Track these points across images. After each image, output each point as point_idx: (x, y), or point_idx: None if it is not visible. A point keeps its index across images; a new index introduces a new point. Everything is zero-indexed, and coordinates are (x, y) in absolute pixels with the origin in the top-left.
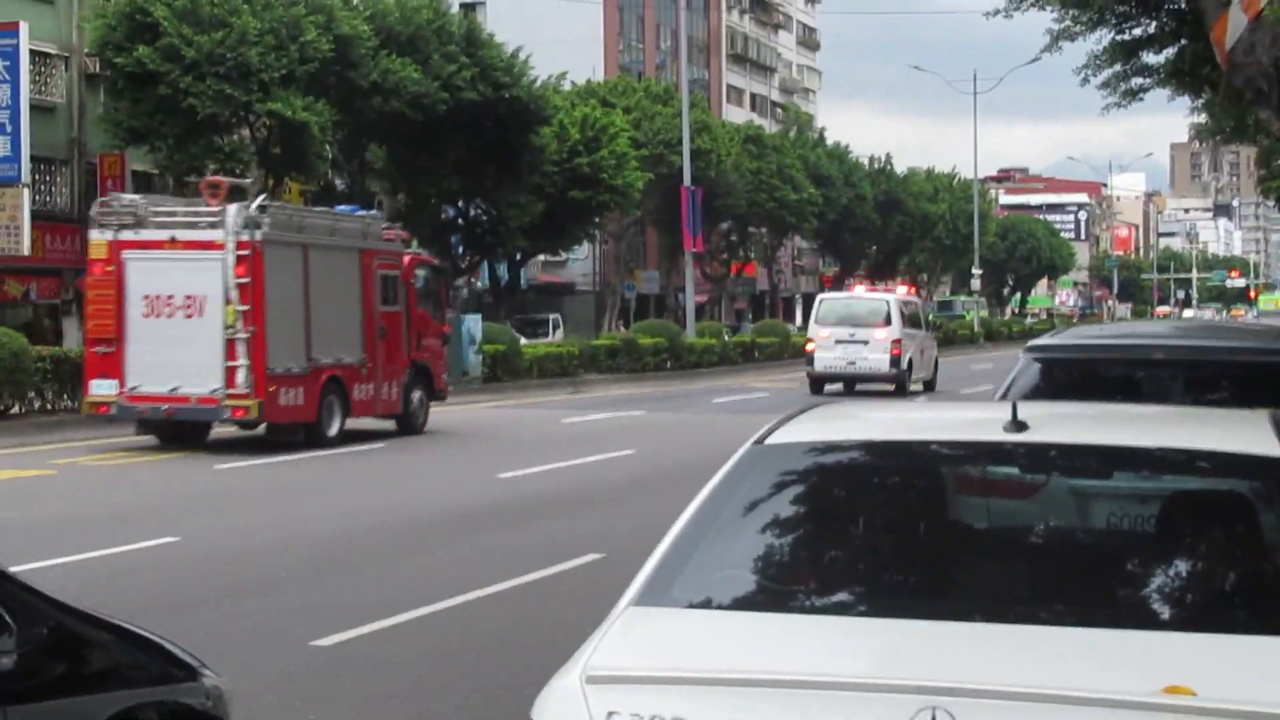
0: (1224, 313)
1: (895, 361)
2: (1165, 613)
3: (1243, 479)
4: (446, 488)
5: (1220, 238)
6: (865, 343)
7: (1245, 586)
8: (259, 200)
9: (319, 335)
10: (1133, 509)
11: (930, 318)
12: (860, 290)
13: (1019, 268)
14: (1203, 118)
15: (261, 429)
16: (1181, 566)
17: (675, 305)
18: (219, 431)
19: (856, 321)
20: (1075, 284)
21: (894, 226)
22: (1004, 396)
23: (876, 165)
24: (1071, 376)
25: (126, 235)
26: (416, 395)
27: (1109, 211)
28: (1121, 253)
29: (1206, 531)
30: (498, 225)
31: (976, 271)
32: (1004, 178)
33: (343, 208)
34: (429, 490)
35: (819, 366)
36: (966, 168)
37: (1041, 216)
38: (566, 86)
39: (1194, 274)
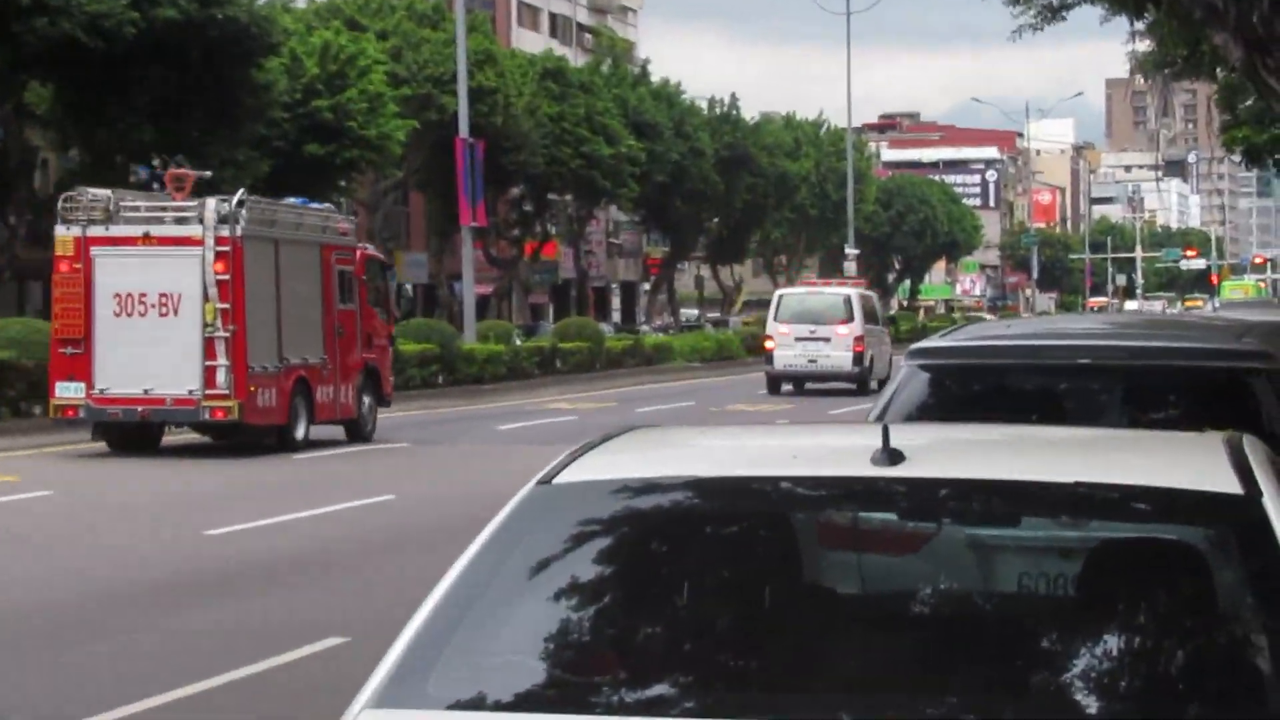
0: (1177, 304)
1: (858, 359)
2: (1093, 705)
3: (1192, 524)
4: (152, 549)
5: (1173, 205)
6: (827, 340)
7: (1195, 667)
8: (239, 194)
9: (288, 334)
10: (1049, 566)
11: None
12: (818, 285)
13: (908, 245)
14: (1146, 45)
15: (205, 435)
16: (1113, 642)
17: (450, 299)
18: (171, 438)
19: (816, 318)
20: (983, 267)
21: (742, 192)
22: (880, 417)
23: (719, 110)
24: (970, 390)
25: (96, 231)
26: (367, 400)
27: (1026, 171)
28: (1043, 225)
29: (1145, 595)
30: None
31: (851, 251)
32: (888, 126)
33: (291, 200)
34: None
35: (779, 365)
36: (838, 114)
37: (938, 177)
38: (300, 3)
39: (1138, 253)
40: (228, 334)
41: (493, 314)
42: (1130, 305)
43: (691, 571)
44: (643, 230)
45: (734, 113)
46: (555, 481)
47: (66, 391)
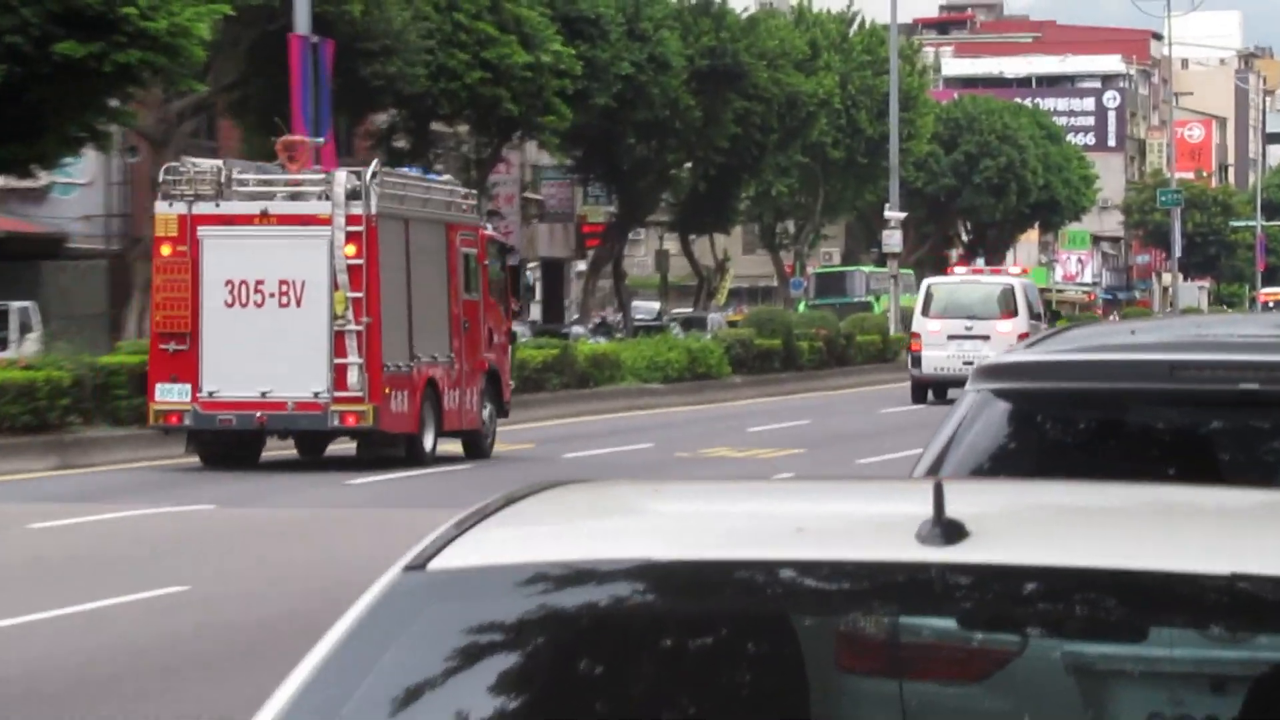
0: None
1: None
2: None
3: None
4: None
5: None
6: (986, 338)
7: None
8: (373, 165)
9: (419, 328)
10: (1192, 702)
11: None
12: (964, 271)
13: (981, 206)
14: None
15: (320, 446)
16: None
17: None
18: (272, 451)
19: (973, 312)
20: (1097, 240)
21: (728, 123)
22: (933, 470)
23: None
24: (1072, 429)
25: (204, 209)
26: (487, 409)
27: (1167, 92)
28: (1191, 176)
29: None
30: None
31: (894, 215)
32: (953, 22)
33: (409, 169)
34: None
35: (927, 369)
36: (877, 5)
37: (1029, 102)
38: None
39: None
40: (360, 327)
41: None
42: None
43: (639, 708)
44: (577, 181)
45: (717, 2)
46: (431, 567)
47: (169, 395)
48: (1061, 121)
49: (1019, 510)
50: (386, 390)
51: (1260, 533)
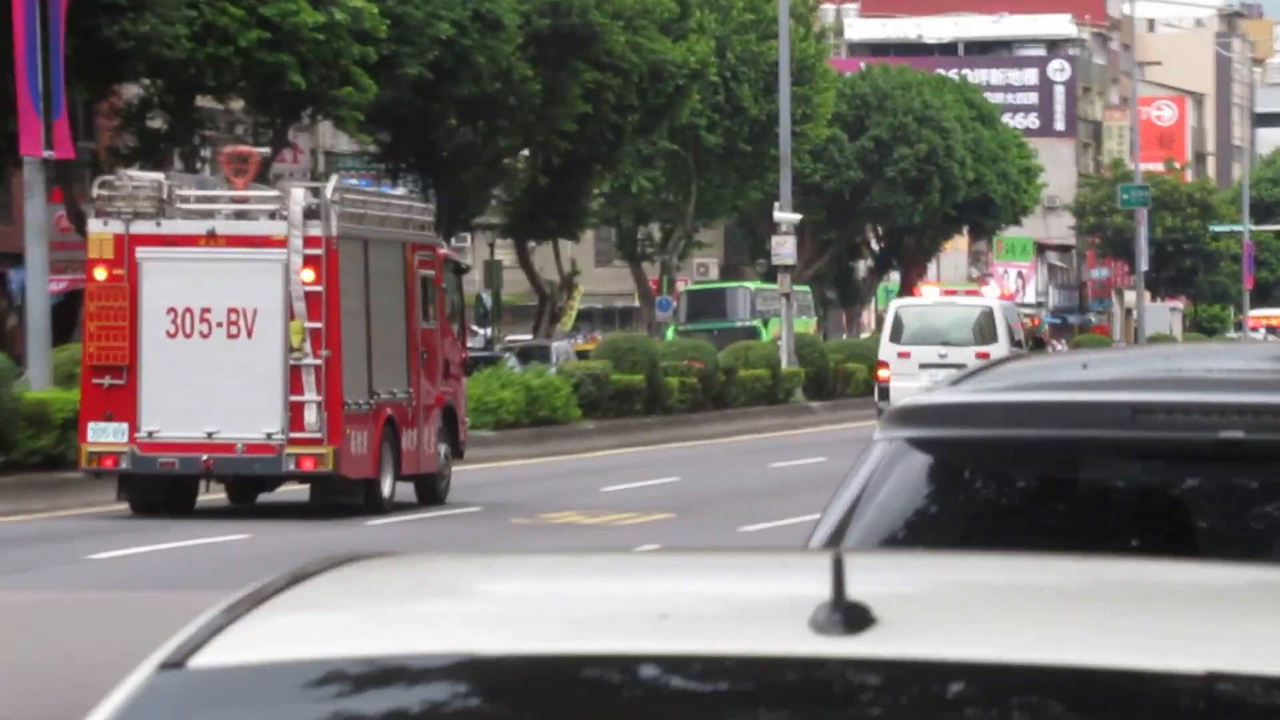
0: None
1: None
2: None
3: None
4: None
5: None
6: (962, 366)
7: None
8: (332, 181)
9: (377, 361)
10: None
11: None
12: (935, 292)
13: (896, 206)
14: None
15: (262, 490)
16: None
17: (1, 301)
18: (208, 497)
19: (947, 338)
20: (1043, 249)
21: (575, 99)
22: (832, 539)
23: None
24: (1008, 488)
25: (143, 228)
26: (443, 448)
27: (1129, 61)
28: (1162, 169)
29: None
30: None
31: (787, 217)
32: None
33: (350, 180)
34: None
35: (896, 401)
36: None
37: (955, 74)
38: None
39: None
40: (319, 361)
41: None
42: None
43: None
44: (384, 172)
45: None
46: (193, 664)
47: (103, 435)
48: (996, 99)
49: (941, 590)
50: (347, 431)
51: (1244, 620)
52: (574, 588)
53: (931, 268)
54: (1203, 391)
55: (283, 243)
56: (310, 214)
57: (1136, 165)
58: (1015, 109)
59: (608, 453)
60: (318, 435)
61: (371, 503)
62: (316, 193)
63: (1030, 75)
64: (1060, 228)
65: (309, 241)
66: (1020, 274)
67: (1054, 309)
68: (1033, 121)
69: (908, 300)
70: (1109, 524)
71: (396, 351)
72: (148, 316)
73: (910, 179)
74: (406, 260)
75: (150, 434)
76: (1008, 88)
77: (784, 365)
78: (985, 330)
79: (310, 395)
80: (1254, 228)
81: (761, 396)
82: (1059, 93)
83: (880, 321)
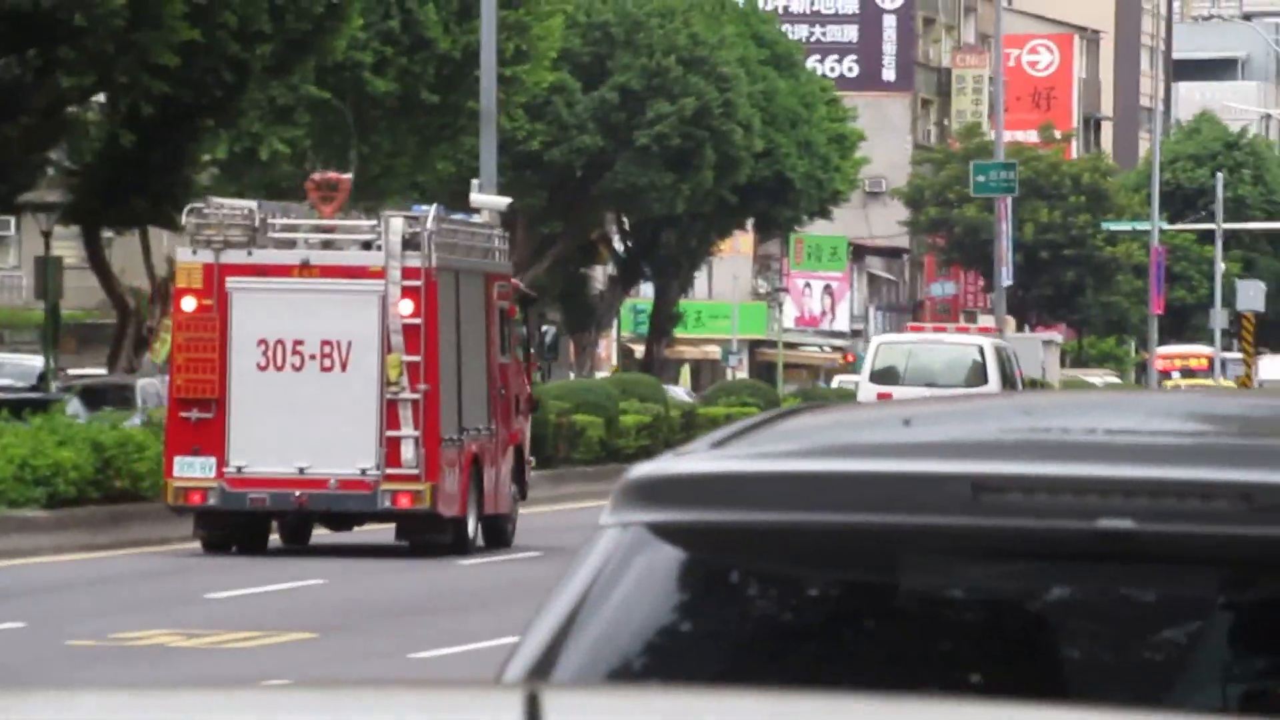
0: None
1: None
2: None
3: None
4: None
5: None
6: None
7: None
8: (431, 211)
9: (466, 396)
10: None
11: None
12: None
13: (650, 189)
14: None
15: (358, 528)
16: None
17: None
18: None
19: (935, 380)
20: (860, 253)
21: (176, 25)
22: (538, 668)
23: None
24: (795, 600)
25: (234, 257)
26: (511, 489)
27: None
28: (1036, 140)
29: None
30: None
31: (491, 201)
32: None
33: (421, 207)
34: None
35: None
36: None
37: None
38: None
39: None
40: (418, 396)
41: None
42: (1272, 366)
43: None
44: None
45: None
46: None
47: (189, 470)
48: (799, 36)
49: None
50: (445, 467)
51: None
52: None
53: (700, 279)
54: (1076, 461)
55: (379, 274)
56: (408, 244)
57: (999, 134)
58: (825, 49)
59: None
60: (415, 471)
61: (459, 543)
62: (415, 222)
63: (849, 3)
64: (888, 223)
65: (407, 273)
66: (829, 289)
67: (848, 348)
68: (850, 68)
69: (891, 336)
70: (939, 651)
71: (480, 387)
72: (238, 348)
73: (671, 149)
74: (487, 292)
75: (239, 469)
76: (816, 17)
77: None
78: (977, 372)
79: (407, 430)
80: (1167, 226)
81: None
82: (888, 25)
83: (628, 354)
